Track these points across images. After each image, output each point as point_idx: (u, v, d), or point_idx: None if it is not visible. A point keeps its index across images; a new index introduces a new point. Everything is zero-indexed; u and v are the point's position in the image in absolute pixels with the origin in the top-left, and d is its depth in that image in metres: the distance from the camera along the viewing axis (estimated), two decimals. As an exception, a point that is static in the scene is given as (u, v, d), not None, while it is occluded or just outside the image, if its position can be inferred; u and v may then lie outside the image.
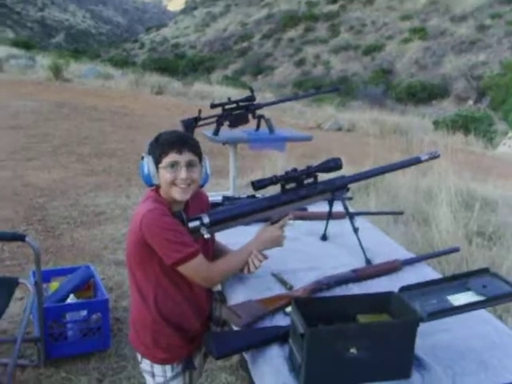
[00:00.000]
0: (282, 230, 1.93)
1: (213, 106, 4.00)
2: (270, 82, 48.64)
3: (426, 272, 2.04)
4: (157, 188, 1.91)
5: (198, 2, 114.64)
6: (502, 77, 34.00)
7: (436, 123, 16.72)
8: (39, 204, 5.76)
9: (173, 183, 1.84)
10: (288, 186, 1.94)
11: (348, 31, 58.27)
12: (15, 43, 38.68)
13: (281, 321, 1.62)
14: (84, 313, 2.84)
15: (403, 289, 1.47)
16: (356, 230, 2.07)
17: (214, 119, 4.02)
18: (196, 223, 1.82)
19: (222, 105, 4.01)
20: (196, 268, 1.81)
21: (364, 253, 2.05)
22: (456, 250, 2.24)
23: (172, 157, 1.84)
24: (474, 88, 37.95)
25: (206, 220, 1.82)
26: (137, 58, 72.08)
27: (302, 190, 1.96)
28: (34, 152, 8.24)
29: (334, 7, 66.67)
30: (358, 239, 2.06)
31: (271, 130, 4.23)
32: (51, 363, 2.83)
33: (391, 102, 34.08)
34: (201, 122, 3.93)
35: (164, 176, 1.85)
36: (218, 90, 21.37)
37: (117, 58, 52.13)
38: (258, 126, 4.22)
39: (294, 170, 1.93)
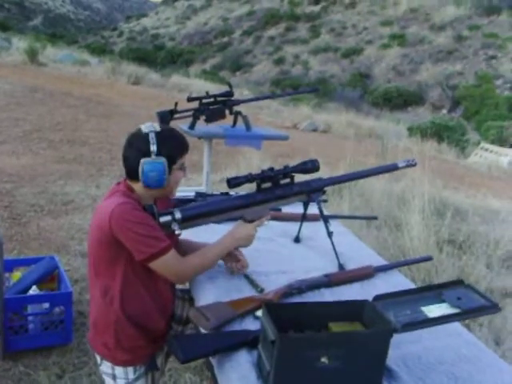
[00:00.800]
0: (255, 230, 1.88)
1: (190, 100, 3.93)
2: (248, 78, 48.52)
3: (398, 280, 2.02)
4: (128, 183, 1.82)
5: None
6: (477, 88, 34.58)
7: (410, 129, 16.90)
8: (6, 190, 5.60)
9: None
10: (264, 186, 1.89)
11: (328, 33, 58.43)
12: (-10, 24, 37.76)
13: (250, 325, 1.57)
14: (46, 305, 2.74)
15: (377, 298, 1.43)
16: (330, 234, 2.03)
17: (190, 113, 3.95)
18: (167, 218, 1.75)
19: (199, 98, 3.94)
20: (168, 263, 1.74)
21: (337, 257, 2.02)
22: (429, 258, 2.23)
23: (184, 157, 1.84)
24: (448, 97, 38.48)
25: (178, 215, 1.76)
26: (115, 46, 71.16)
27: (277, 189, 1.91)
28: (3, 136, 8.02)
29: (315, 8, 66.81)
30: (332, 243, 2.03)
31: (248, 127, 4.18)
32: (10, 356, 2.73)
33: (367, 106, 34.37)
34: (177, 115, 3.85)
35: (177, 176, 1.83)
36: (196, 84, 21.22)
37: (94, 45, 51.43)
38: (235, 122, 4.17)
39: (271, 169, 1.89)
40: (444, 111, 35.17)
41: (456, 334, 1.67)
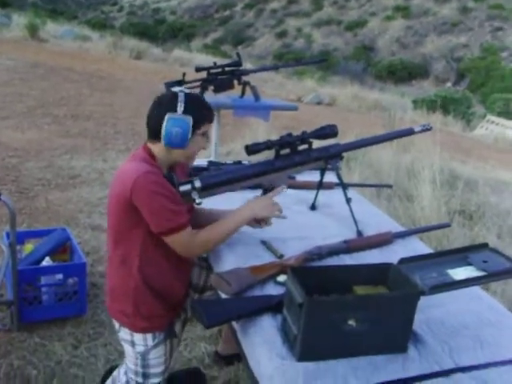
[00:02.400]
0: (273, 200, 1.84)
1: (198, 70, 3.88)
2: (251, 52, 48.06)
3: (416, 246, 2.00)
4: (149, 146, 1.79)
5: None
6: (482, 60, 34.20)
7: (415, 102, 16.76)
8: (12, 164, 5.57)
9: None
10: (282, 152, 1.86)
11: (331, 5, 57.61)
12: (-10, 0, 37.24)
13: (271, 290, 1.56)
14: (60, 276, 2.73)
15: (402, 261, 1.41)
16: (349, 200, 2.00)
17: (198, 83, 3.90)
18: (187, 187, 1.73)
19: (207, 69, 3.89)
20: (182, 239, 1.72)
21: (356, 224, 1.99)
22: (447, 225, 2.22)
23: (208, 126, 1.80)
24: (453, 70, 38.10)
25: (198, 184, 1.74)
26: (115, 21, 70.29)
27: (296, 156, 1.89)
28: (7, 111, 7.96)
29: (318, -20, 65.82)
30: (351, 209, 2.00)
31: (257, 97, 4.12)
32: (25, 327, 2.73)
33: (371, 79, 34.08)
34: (185, 86, 3.80)
35: (199, 143, 1.79)
36: (198, 58, 20.98)
37: (95, 21, 50.80)
38: (243, 93, 4.12)
39: (289, 134, 1.86)
40: (449, 84, 34.86)
41: (478, 298, 1.65)
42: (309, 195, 2.32)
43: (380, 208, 4.00)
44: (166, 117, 1.68)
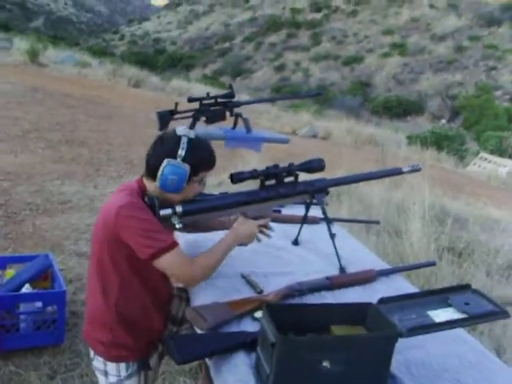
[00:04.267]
0: (258, 228, 1.82)
1: (190, 100, 3.87)
2: (249, 84, 48.63)
3: (401, 284, 1.97)
4: (144, 181, 1.77)
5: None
6: (477, 98, 34.68)
7: (410, 138, 16.91)
8: (3, 188, 5.53)
9: None
10: (267, 183, 1.84)
11: (330, 41, 58.67)
12: (-8, 24, 37.66)
13: (248, 326, 1.52)
14: (39, 304, 2.68)
15: (381, 301, 1.38)
16: (333, 236, 1.97)
17: (190, 114, 3.90)
18: (168, 211, 1.70)
19: (199, 99, 3.89)
20: (175, 261, 1.67)
21: (339, 260, 1.96)
22: (432, 264, 2.18)
23: (207, 173, 1.79)
24: (448, 107, 38.59)
25: (179, 209, 1.71)
26: (116, 49, 71.32)
27: (281, 188, 1.86)
28: (1, 135, 7.95)
29: (317, 16, 67.11)
30: (334, 245, 1.97)
31: (248, 129, 4.13)
32: (1, 355, 2.66)
33: (367, 114, 34.43)
34: (177, 116, 3.81)
35: (194, 189, 1.77)
36: (196, 88, 21.20)
37: (95, 48, 51.42)
38: (235, 124, 4.12)
39: (275, 166, 1.84)
40: (443, 121, 35.27)
41: (461, 340, 1.61)
42: (292, 229, 2.29)
43: (368, 244, 3.99)
44: (165, 162, 1.67)
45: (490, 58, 43.79)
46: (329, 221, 2.01)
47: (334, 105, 33.07)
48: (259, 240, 1.85)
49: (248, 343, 1.37)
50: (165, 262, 1.66)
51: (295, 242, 2.25)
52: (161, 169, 1.68)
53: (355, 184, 5.96)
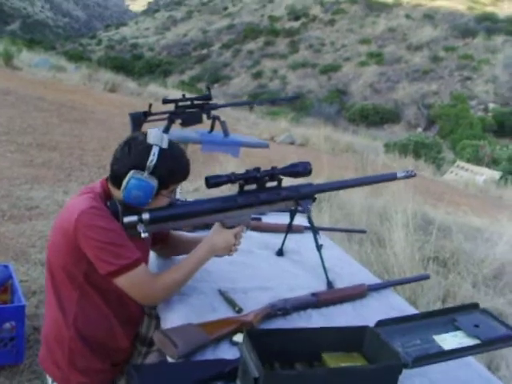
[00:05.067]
0: (235, 238, 1.63)
1: (165, 102, 3.67)
2: (226, 91, 48.52)
3: (393, 300, 1.80)
4: (109, 186, 1.59)
5: (161, 5, 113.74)
6: (452, 107, 35.05)
7: (387, 146, 16.91)
8: (-35, 192, 5.25)
9: None
10: (247, 188, 1.65)
11: (307, 49, 58.89)
12: (-35, 26, 36.82)
13: (226, 352, 1.32)
14: (-5, 320, 2.44)
15: (380, 323, 1.20)
16: (319, 247, 1.79)
17: (165, 116, 3.70)
18: (133, 218, 1.49)
19: (175, 101, 3.69)
20: (137, 280, 1.50)
21: (326, 274, 1.78)
22: (426, 277, 2.01)
23: (178, 185, 1.63)
24: (424, 116, 38.96)
25: (146, 216, 1.50)
26: (93, 54, 70.58)
27: (262, 193, 1.66)
28: (-31, 137, 7.64)
29: (295, 24, 67.38)
30: (321, 258, 1.79)
31: (226, 132, 3.93)
32: (-49, 376, 2.41)
33: (344, 122, 34.55)
34: (151, 118, 3.60)
35: (163, 201, 1.57)
36: (173, 94, 20.88)
37: (72, 52, 50.84)
38: (212, 128, 3.93)
39: (257, 169, 1.64)
40: (419, 129, 35.62)
41: (466, 365, 1.43)
42: (275, 239, 2.11)
43: (351, 253, 3.81)
44: (130, 173, 1.49)
45: (464, 68, 44.42)
46: (315, 231, 1.82)
47: (312, 112, 33.06)
48: (235, 250, 1.65)
49: (225, 374, 1.17)
50: (124, 281, 1.48)
51: (279, 253, 2.06)
52: (125, 180, 1.49)
53: (335, 191, 5.83)
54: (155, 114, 3.60)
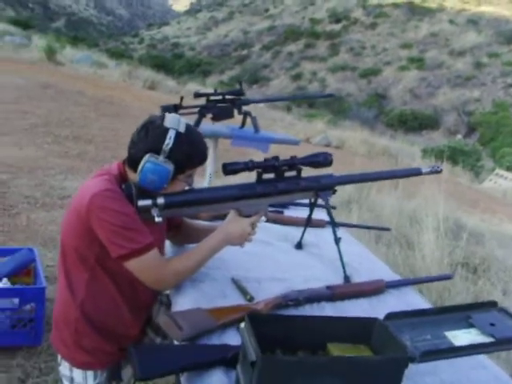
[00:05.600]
0: (252, 228, 1.60)
1: (197, 96, 3.68)
2: (265, 92, 48.54)
3: (412, 299, 1.74)
4: (126, 168, 1.57)
5: (203, 5, 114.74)
6: (493, 115, 34.28)
7: (425, 151, 16.63)
8: (2, 180, 5.37)
9: None
10: (265, 176, 1.61)
11: (347, 52, 58.45)
12: (14, 21, 37.89)
13: (232, 338, 1.29)
14: (16, 301, 2.47)
15: (390, 316, 1.16)
16: (338, 240, 1.75)
17: (196, 109, 3.70)
18: (147, 202, 1.48)
19: (206, 95, 3.69)
20: (148, 264, 1.48)
21: (343, 267, 1.74)
22: (448, 277, 1.95)
23: (195, 169, 1.59)
24: (464, 123, 38.20)
25: (161, 201, 1.49)
26: (135, 52, 71.62)
27: (280, 182, 1.62)
28: (8, 127, 7.82)
29: (336, 27, 66.96)
30: (339, 251, 1.74)
31: (256, 128, 3.92)
32: (-30, 354, 2.46)
33: (382, 127, 34.15)
34: (182, 111, 3.61)
35: (180, 186, 1.56)
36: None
37: (114, 50, 51.71)
38: (244, 123, 3.91)
39: (275, 157, 1.61)
40: (459, 136, 34.88)
41: (481, 366, 1.37)
42: (295, 232, 2.07)
43: (378, 254, 3.75)
44: (146, 157, 1.47)
45: (508, 75, 43.34)
46: (334, 224, 1.78)
47: (349, 116, 32.78)
48: (250, 240, 1.62)
49: (228, 359, 1.15)
50: (135, 265, 1.47)
51: (298, 246, 2.02)
52: (141, 163, 1.47)
53: (366, 193, 5.74)
54: (186, 107, 3.61)
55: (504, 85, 42.55)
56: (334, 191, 1.76)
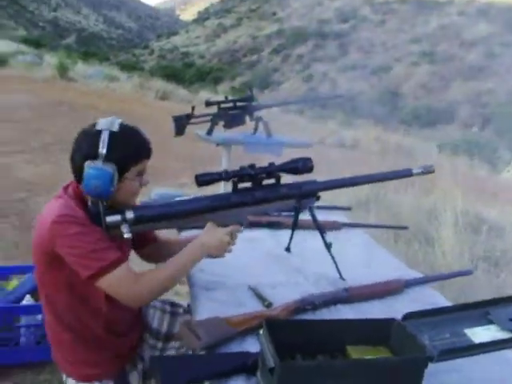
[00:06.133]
0: (230, 238, 1.56)
1: (208, 104, 3.71)
2: (277, 96, 48.54)
3: (432, 298, 1.73)
4: (80, 187, 1.51)
5: (211, 13, 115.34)
6: (509, 105, 33.87)
7: (440, 146, 16.49)
8: (20, 198, 5.45)
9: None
10: (242, 186, 1.57)
11: (357, 51, 58.32)
12: (26, 40, 38.51)
13: (252, 345, 1.30)
14: (39, 317, 2.51)
15: (408, 316, 1.15)
16: (329, 246, 1.74)
17: (208, 118, 3.73)
18: (116, 218, 1.44)
19: (217, 103, 3.72)
20: (119, 281, 1.45)
21: (338, 269, 1.75)
22: (469, 272, 1.93)
23: (142, 165, 1.53)
24: (479, 114, 37.81)
25: (130, 215, 1.45)
26: (145, 63, 72.29)
27: (258, 191, 1.58)
28: (23, 146, 7.95)
29: (344, 26, 66.87)
30: (331, 256, 1.75)
31: (268, 133, 3.93)
32: (-1, 372, 2.49)
33: (395, 123, 33.92)
34: (193, 120, 3.64)
35: (130, 187, 1.52)
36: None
37: (125, 62, 52.17)
38: (256, 129, 3.93)
39: (251, 166, 1.56)
40: (475, 129, 34.53)
41: (505, 362, 1.36)
42: (307, 236, 2.07)
43: (397, 253, 3.73)
44: (85, 165, 1.44)
45: (522, 64, 42.85)
46: (321, 229, 1.76)
47: (363, 114, 32.66)
48: (230, 251, 1.57)
49: (248, 366, 1.16)
50: (106, 283, 1.44)
51: (287, 249, 1.99)
52: (83, 175, 1.44)
53: (383, 192, 5.71)
54: (198, 116, 3.65)
55: (518, 74, 42.05)
56: (318, 198, 1.71)
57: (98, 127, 1.46)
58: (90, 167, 1.43)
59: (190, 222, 1.55)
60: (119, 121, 1.49)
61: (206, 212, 1.54)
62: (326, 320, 1.23)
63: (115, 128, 1.47)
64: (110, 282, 1.44)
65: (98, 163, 1.43)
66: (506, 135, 27.46)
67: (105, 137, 1.44)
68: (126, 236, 1.44)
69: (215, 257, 1.57)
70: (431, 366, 1.10)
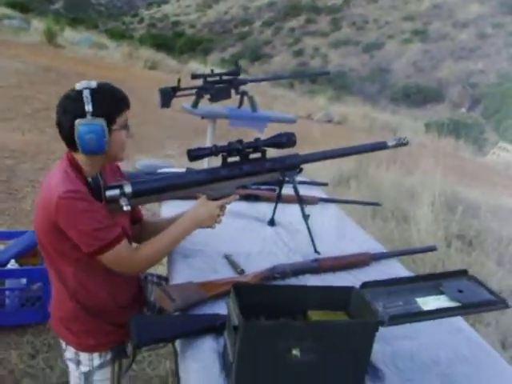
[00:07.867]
0: (220, 210, 1.67)
1: (194, 77, 3.72)
2: (267, 69, 48.19)
3: (397, 270, 1.83)
4: (72, 155, 1.59)
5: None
6: (498, 86, 33.99)
7: (428, 125, 16.58)
8: (6, 165, 5.47)
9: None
10: (230, 160, 1.67)
11: (350, 26, 57.84)
12: (12, 4, 37.61)
13: (222, 309, 1.38)
14: (24, 281, 2.59)
15: (366, 285, 1.25)
16: (306, 217, 1.84)
17: (193, 91, 3.76)
18: (115, 192, 1.53)
19: (203, 76, 3.74)
20: (118, 256, 1.56)
21: (313, 242, 1.84)
22: (433, 248, 2.03)
23: (125, 115, 1.60)
24: (468, 95, 37.92)
25: (128, 189, 1.54)
26: (135, 32, 71.13)
27: (246, 165, 1.68)
28: (11, 113, 7.90)
29: (337, 1, 66.15)
30: (308, 228, 1.84)
31: (254, 107, 3.98)
32: (-17, 334, 2.58)
33: (385, 101, 33.94)
34: (179, 93, 3.67)
35: (119, 137, 1.59)
36: (212, 71, 20.91)
37: (114, 30, 51.36)
38: (241, 103, 3.96)
39: (239, 141, 1.67)
40: (463, 109, 34.66)
41: (456, 330, 1.48)
42: (287, 209, 2.16)
43: (373, 229, 3.84)
44: (76, 123, 1.50)
45: (513, 46, 42.86)
46: (301, 201, 1.87)
47: (352, 91, 32.63)
48: (220, 222, 1.68)
49: (217, 327, 1.25)
50: (106, 259, 1.55)
51: (271, 223, 2.10)
52: (75, 133, 1.51)
53: (365, 169, 5.81)
54: (184, 89, 3.67)
55: (508, 55, 42.07)
56: (300, 170, 1.81)
57: (78, 88, 1.53)
58: (81, 124, 1.50)
59: (183, 194, 1.64)
60: (94, 81, 1.56)
61: (198, 185, 1.64)
62: (290, 285, 1.32)
63: (93, 85, 1.53)
64: (110, 258, 1.55)
65: (88, 118, 1.50)
66: (494, 116, 27.65)
67: (87, 94, 1.51)
68: (125, 208, 1.53)
69: (206, 227, 1.67)
70: (387, 333, 1.21)
